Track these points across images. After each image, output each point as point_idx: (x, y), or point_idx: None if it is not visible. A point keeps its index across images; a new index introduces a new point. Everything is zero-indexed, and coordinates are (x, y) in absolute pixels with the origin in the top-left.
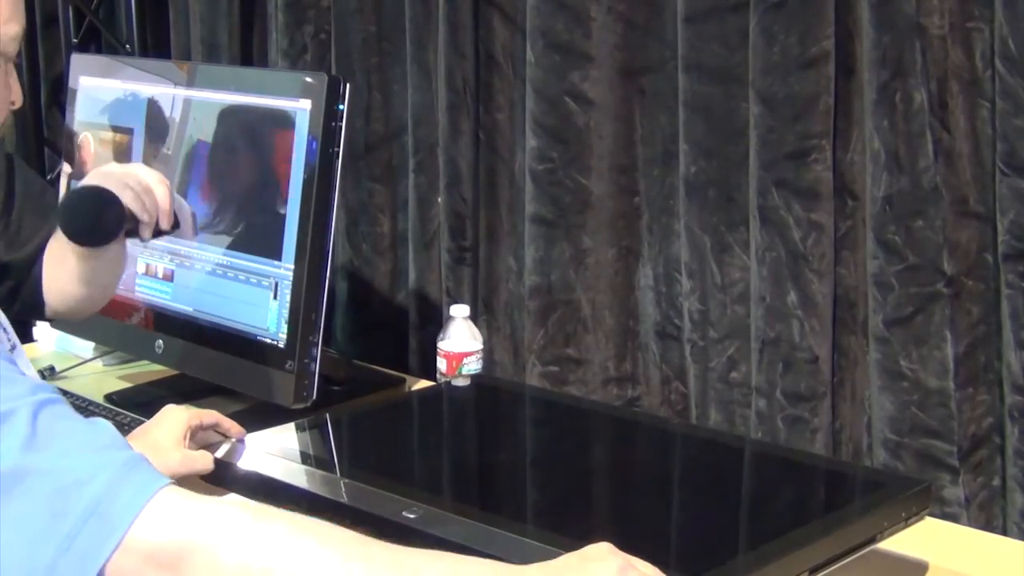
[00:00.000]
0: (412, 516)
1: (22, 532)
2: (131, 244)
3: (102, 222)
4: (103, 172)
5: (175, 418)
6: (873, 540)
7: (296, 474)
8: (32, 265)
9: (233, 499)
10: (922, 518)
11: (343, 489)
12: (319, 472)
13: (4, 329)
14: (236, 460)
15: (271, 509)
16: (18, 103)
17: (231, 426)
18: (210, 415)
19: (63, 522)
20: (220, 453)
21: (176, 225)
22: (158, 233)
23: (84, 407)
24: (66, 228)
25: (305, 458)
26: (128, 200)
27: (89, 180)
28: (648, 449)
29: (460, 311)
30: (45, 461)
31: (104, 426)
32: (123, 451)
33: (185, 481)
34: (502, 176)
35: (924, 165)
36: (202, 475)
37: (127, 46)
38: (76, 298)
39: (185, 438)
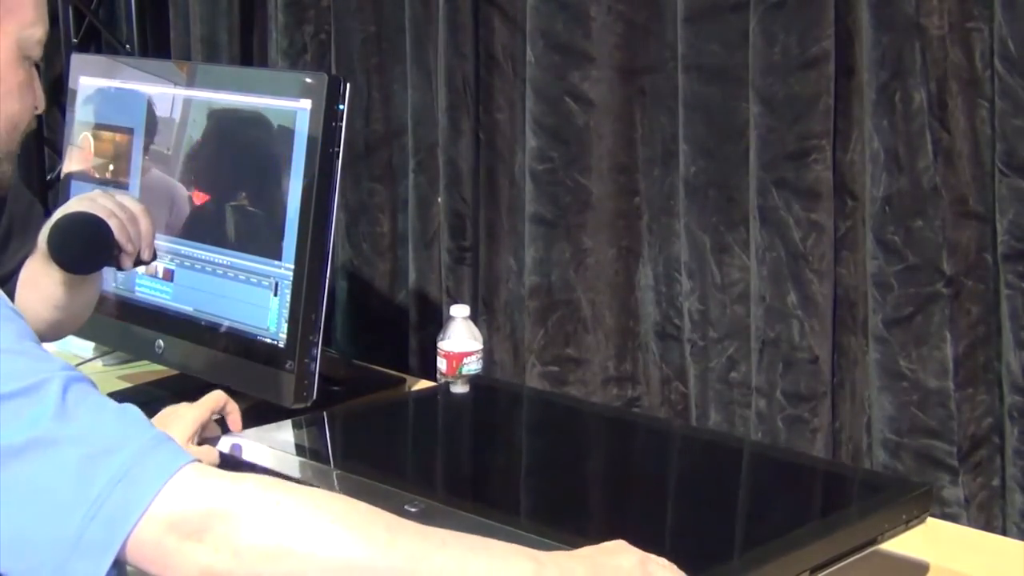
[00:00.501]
0: (414, 510)
1: (49, 500)
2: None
3: (93, 249)
4: (89, 197)
5: (186, 418)
6: (874, 542)
7: (298, 468)
8: (6, 282)
9: (258, 476)
10: (923, 521)
11: (345, 483)
12: (321, 466)
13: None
14: (239, 454)
15: (296, 485)
16: (41, 108)
17: (233, 409)
18: (216, 400)
19: (90, 488)
20: (223, 447)
21: (154, 256)
22: (138, 263)
23: None
24: (56, 253)
25: (307, 452)
26: (115, 228)
27: (76, 206)
28: (648, 451)
29: (460, 311)
30: (75, 430)
31: (131, 407)
32: (151, 429)
33: None
34: (502, 176)
35: (924, 165)
36: None
37: (127, 46)
38: (48, 322)
39: (193, 437)
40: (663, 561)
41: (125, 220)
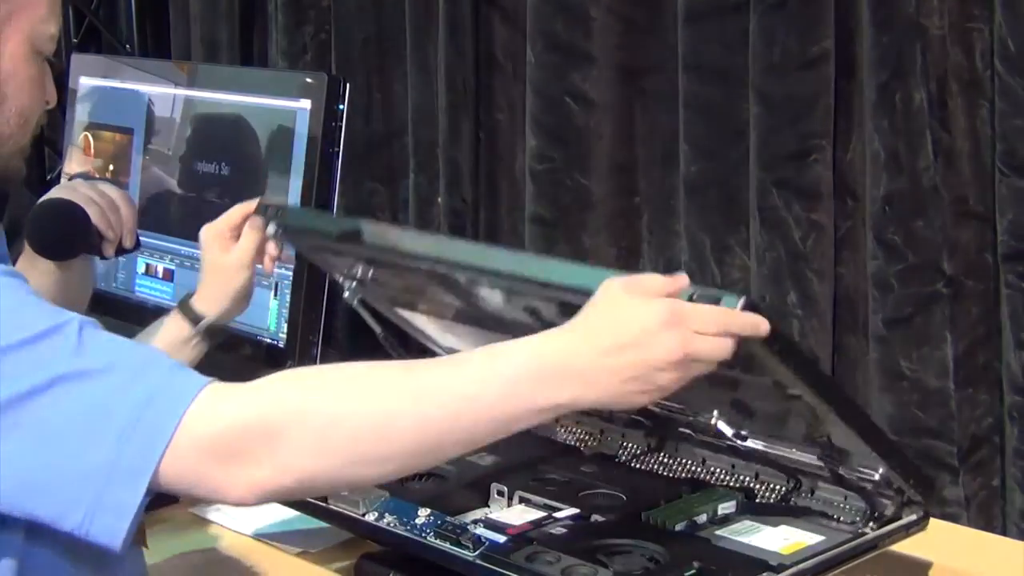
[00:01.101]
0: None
1: (80, 432)
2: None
3: (67, 234)
4: (69, 186)
5: (204, 237)
6: (875, 548)
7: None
8: None
9: (274, 376)
10: (923, 527)
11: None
12: None
13: None
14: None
15: (307, 370)
16: (52, 103)
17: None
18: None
19: (118, 415)
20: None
21: (138, 244)
22: (121, 251)
23: None
24: (31, 238)
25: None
26: (94, 216)
27: (56, 193)
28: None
29: None
30: (96, 363)
31: (147, 344)
32: (168, 359)
33: None
34: (502, 176)
35: (924, 165)
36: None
37: (127, 46)
38: None
39: (225, 239)
40: (703, 313)
41: (105, 207)
